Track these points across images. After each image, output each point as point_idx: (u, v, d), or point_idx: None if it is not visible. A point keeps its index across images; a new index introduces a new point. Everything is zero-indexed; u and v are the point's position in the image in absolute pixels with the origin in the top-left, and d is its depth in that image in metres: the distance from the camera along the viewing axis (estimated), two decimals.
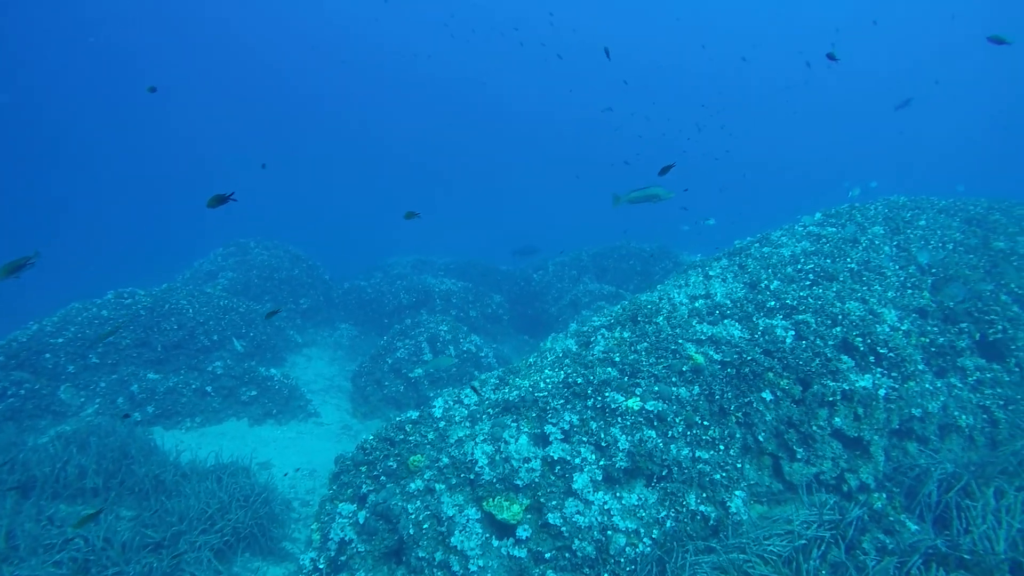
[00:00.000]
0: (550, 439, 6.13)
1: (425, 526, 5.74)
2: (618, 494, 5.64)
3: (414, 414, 7.25)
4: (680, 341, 6.58)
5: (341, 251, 30.22)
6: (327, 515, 6.77)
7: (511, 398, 6.76)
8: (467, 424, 6.93)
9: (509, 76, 71.22)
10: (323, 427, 11.48)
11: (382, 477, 6.71)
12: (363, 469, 6.90)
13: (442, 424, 7.03)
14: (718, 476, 5.62)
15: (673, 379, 6.20)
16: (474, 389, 7.33)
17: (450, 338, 12.67)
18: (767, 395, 6.12)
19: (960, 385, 7.16)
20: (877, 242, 8.51)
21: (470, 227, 48.12)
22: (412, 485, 6.17)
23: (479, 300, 15.85)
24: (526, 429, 6.43)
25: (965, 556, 4.63)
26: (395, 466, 6.66)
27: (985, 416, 7.01)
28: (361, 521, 6.30)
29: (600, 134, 59.58)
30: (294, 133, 74.47)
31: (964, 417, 6.84)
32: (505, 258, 22.84)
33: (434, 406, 7.45)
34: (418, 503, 5.94)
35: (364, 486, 6.72)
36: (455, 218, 51.73)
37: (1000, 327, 7.54)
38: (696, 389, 6.12)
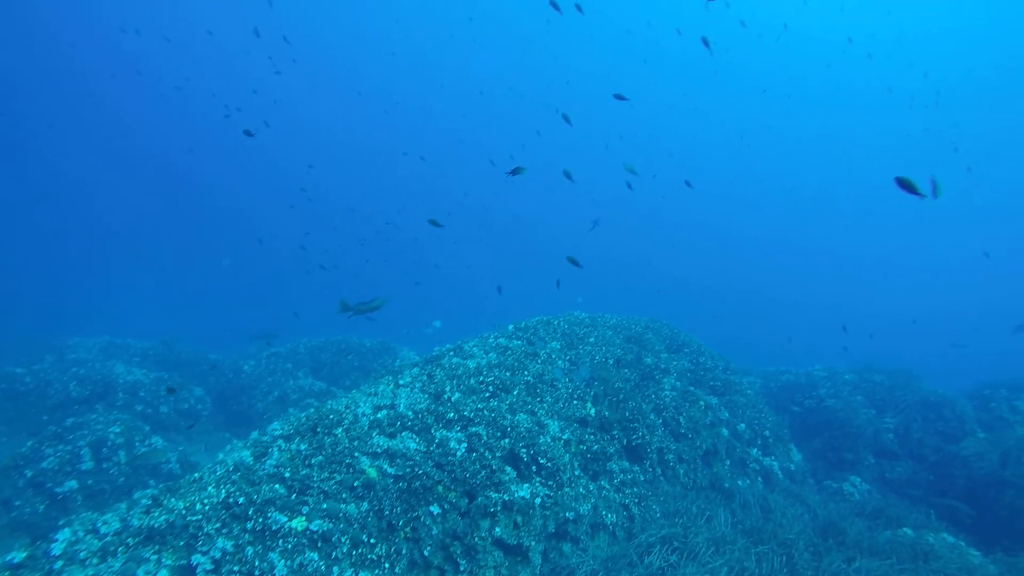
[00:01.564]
0: (197, 571, 5.37)
1: None
2: None
3: (19, 555, 5.79)
4: (356, 454, 6.47)
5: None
6: None
7: (157, 524, 5.83)
8: (94, 562, 5.74)
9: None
10: None
11: None
12: None
13: (58, 565, 5.71)
14: None
15: (344, 495, 6.00)
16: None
17: (122, 441, 10.74)
18: (435, 508, 6.26)
19: (608, 486, 8.23)
20: (554, 356, 9.68)
21: (199, 305, 43.15)
22: None
23: (175, 394, 13.93)
24: (168, 562, 5.54)
25: None
26: None
27: (625, 512, 8.12)
28: None
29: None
30: None
31: (609, 515, 7.83)
32: (235, 344, 20.76)
33: (56, 539, 6.06)
34: None
35: None
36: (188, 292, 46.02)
37: (640, 433, 9.00)
38: (365, 505, 5.99)
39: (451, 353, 9.63)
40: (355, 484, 6.09)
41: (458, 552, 6.22)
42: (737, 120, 69.41)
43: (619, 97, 10.41)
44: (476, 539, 6.22)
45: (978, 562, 8.59)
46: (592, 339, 10.59)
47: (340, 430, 6.75)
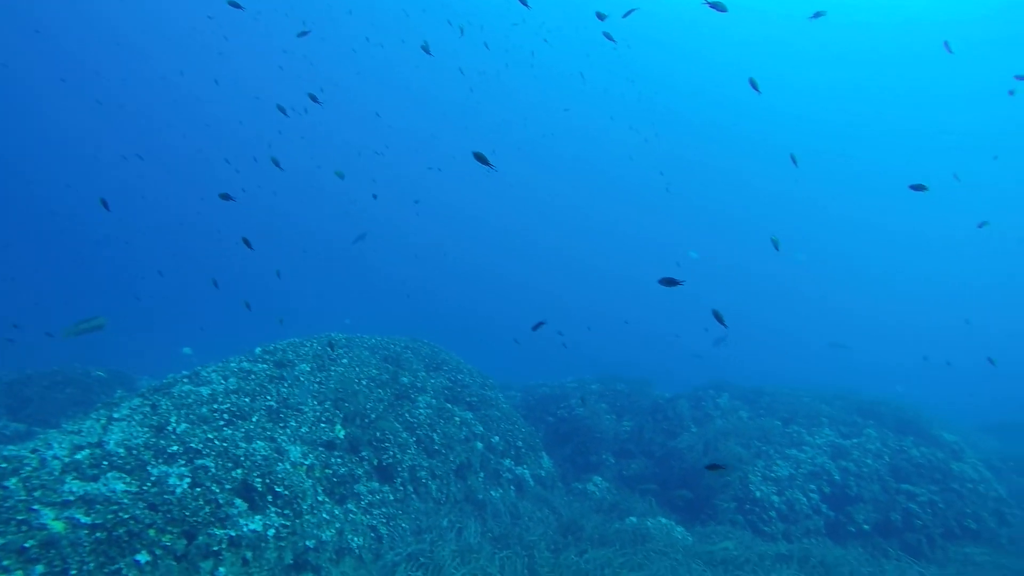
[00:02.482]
0: None
1: None
2: None
3: None
4: (36, 507, 5.42)
5: None
6: None
7: None
8: None
9: None
10: None
11: None
12: None
13: None
14: None
15: (6, 562, 4.96)
16: None
17: None
18: (143, 557, 5.51)
19: (355, 509, 8.08)
20: (303, 379, 9.28)
21: None
22: None
23: None
24: None
25: None
26: None
27: (373, 534, 8.03)
28: None
29: None
30: None
31: (356, 539, 7.67)
32: None
33: None
34: None
35: None
36: None
37: (392, 452, 9.02)
38: (40, 569, 5.03)
39: (185, 380, 8.65)
40: (27, 544, 5.08)
41: None
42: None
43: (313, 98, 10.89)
44: None
45: (680, 536, 10.21)
46: (346, 360, 10.39)
47: (15, 480, 5.60)
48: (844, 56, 56.97)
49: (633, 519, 10.66)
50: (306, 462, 7.68)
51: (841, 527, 11.38)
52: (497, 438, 11.76)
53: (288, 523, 6.68)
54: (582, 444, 14.51)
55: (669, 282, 6.62)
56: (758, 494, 11.39)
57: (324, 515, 7.38)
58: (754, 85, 10.36)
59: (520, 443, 12.14)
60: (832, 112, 63.80)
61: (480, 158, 6.49)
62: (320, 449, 8.18)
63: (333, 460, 8.20)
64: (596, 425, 14.73)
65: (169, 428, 7.00)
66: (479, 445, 11.04)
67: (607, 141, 68.56)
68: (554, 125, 66.95)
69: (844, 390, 15.55)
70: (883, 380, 28.01)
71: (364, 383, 10.10)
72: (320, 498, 7.57)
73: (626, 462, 14.08)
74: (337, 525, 7.49)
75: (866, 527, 11.25)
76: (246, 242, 8.96)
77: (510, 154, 67.60)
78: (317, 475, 7.79)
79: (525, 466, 11.94)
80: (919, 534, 11.15)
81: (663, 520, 10.71)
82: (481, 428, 11.55)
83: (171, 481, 6.17)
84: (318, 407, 8.85)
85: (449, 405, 11.38)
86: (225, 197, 8.79)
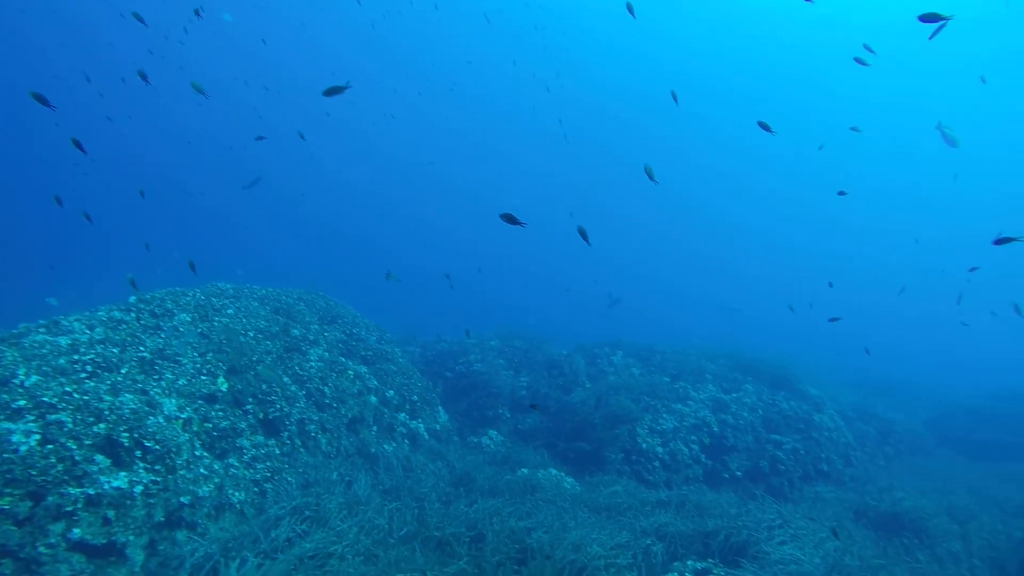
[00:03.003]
0: None
1: None
2: None
3: None
4: None
5: None
6: None
7: None
8: None
9: None
10: None
11: None
12: None
13: None
14: None
15: None
16: None
17: None
18: None
19: (237, 464, 7.75)
20: (182, 329, 8.67)
21: None
22: None
23: None
24: None
25: None
26: None
27: (256, 489, 7.76)
28: None
29: None
30: None
31: (237, 494, 7.38)
32: None
33: None
34: None
35: None
36: None
37: (279, 406, 8.69)
38: None
39: (40, 330, 7.83)
40: None
41: (7, 573, 5.09)
42: None
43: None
44: (41, 548, 5.18)
45: (568, 486, 10.65)
46: (231, 310, 9.81)
47: None
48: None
49: (525, 471, 10.96)
50: (183, 415, 7.23)
51: (717, 474, 12.33)
52: (392, 392, 11.66)
53: (159, 479, 6.30)
54: (479, 399, 14.67)
55: (510, 219, 6.20)
56: (644, 446, 12.06)
57: (202, 470, 7.02)
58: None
59: (416, 397, 12.11)
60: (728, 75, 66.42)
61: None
62: (200, 402, 7.72)
63: (214, 414, 7.78)
64: (493, 380, 14.94)
65: (16, 381, 6.32)
66: (373, 399, 10.90)
67: (511, 86, 68.17)
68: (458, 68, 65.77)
69: (728, 349, 16.68)
70: (773, 339, 30.29)
71: (251, 335, 9.60)
72: (198, 453, 7.18)
73: (522, 416, 14.42)
74: (216, 480, 7.17)
75: (739, 474, 12.26)
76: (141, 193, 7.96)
77: (419, 88, 66.09)
78: (195, 429, 7.37)
79: (420, 420, 11.95)
80: (782, 478, 12.31)
81: (554, 471, 11.10)
82: (375, 382, 11.39)
83: (14, 439, 5.59)
84: (199, 359, 8.31)
85: (343, 359, 11.10)
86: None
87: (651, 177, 8.00)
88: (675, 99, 13.02)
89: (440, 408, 13.06)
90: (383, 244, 69.22)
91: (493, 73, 68.66)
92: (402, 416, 11.58)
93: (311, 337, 10.74)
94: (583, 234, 6.94)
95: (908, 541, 9.24)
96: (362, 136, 72.13)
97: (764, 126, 9.35)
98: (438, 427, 12.34)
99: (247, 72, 56.80)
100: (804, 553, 7.48)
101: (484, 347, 16.85)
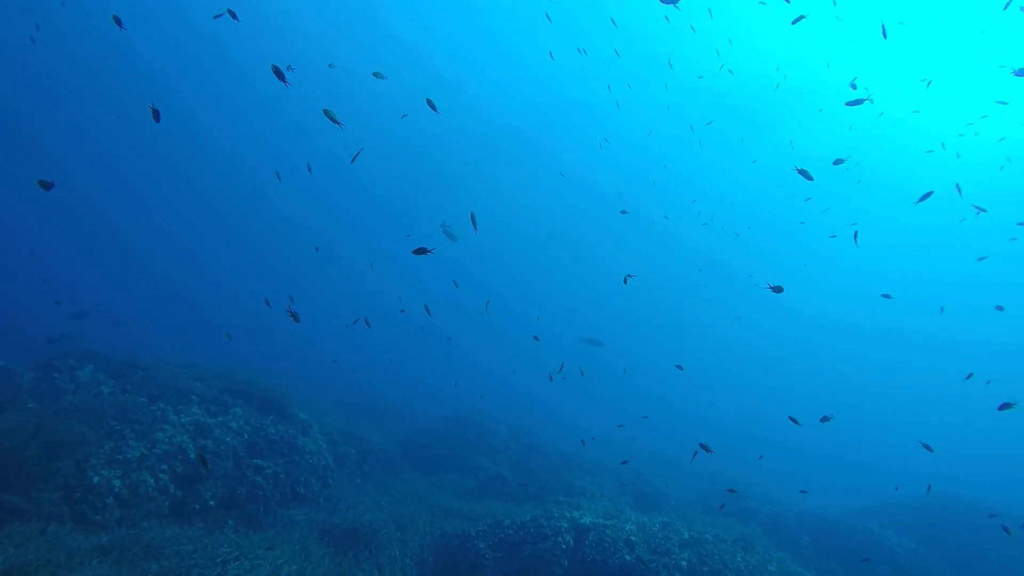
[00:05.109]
0: None
1: None
2: None
3: None
4: None
5: None
6: None
7: None
8: None
9: None
10: None
11: None
12: None
13: None
14: None
15: None
16: None
17: None
18: None
19: None
20: None
21: None
22: None
23: None
24: None
25: None
26: None
27: None
28: None
29: None
30: None
31: None
32: None
33: None
34: None
35: None
36: None
37: None
38: None
39: None
40: None
41: None
42: None
43: None
44: None
45: None
46: None
47: None
48: None
49: None
50: None
51: (188, 505, 11.17)
52: None
53: None
54: None
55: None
56: (96, 479, 10.01)
57: None
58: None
59: None
60: None
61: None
62: None
63: None
64: None
65: None
66: None
67: None
68: None
69: (223, 368, 15.64)
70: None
71: None
72: None
73: None
74: None
75: (212, 503, 11.39)
76: None
77: None
78: None
79: None
80: (259, 504, 12.04)
81: None
82: None
83: None
84: None
85: None
86: None
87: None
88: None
89: None
90: None
91: None
92: None
93: None
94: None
95: (360, 552, 10.20)
96: None
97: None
98: None
99: None
100: None
101: None
